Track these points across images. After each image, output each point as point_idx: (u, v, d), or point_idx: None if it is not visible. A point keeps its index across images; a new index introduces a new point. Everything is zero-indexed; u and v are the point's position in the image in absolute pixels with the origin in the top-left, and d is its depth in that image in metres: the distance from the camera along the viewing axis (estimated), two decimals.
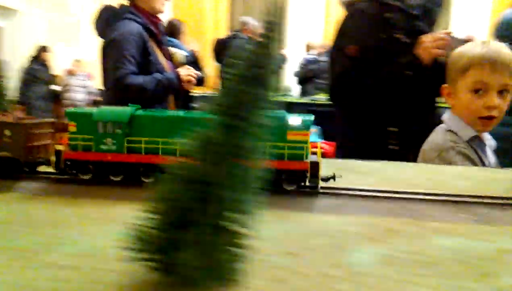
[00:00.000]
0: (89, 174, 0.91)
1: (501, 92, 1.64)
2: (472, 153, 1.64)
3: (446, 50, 1.92)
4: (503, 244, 0.81)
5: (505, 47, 1.71)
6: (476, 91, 1.64)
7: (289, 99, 6.42)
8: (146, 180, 0.91)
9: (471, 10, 9.33)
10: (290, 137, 0.90)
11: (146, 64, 2.51)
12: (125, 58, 2.38)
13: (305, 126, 0.91)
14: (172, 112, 0.99)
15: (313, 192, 0.95)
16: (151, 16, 2.67)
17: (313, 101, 5.96)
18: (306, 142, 0.90)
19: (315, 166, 0.91)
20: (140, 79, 2.42)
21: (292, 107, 5.58)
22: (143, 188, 0.73)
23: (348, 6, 2.33)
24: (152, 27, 2.64)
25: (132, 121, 0.87)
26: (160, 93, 2.55)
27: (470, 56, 1.67)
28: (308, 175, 0.92)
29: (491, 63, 1.61)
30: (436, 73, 1.95)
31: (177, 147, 0.81)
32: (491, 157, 1.73)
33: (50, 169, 0.97)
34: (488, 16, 9.06)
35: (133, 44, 2.43)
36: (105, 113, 0.86)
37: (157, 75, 2.53)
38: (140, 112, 0.90)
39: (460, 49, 1.76)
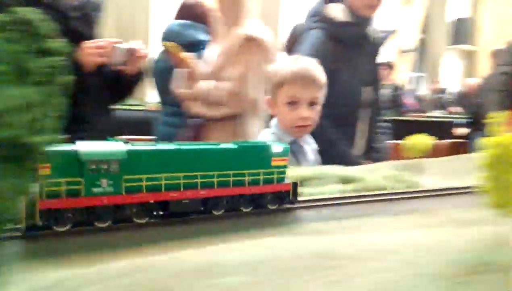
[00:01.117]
0: (68, 224, 0.77)
1: (311, 104, 1.90)
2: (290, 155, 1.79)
3: (111, 58, 2.02)
4: None
5: (314, 63, 1.96)
6: (290, 104, 1.88)
7: None
8: (140, 221, 0.83)
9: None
10: (273, 163, 0.99)
11: None
12: None
13: (285, 153, 1.01)
14: (171, 145, 0.89)
15: (292, 207, 1.03)
16: None
17: None
18: (286, 166, 1.01)
19: (295, 185, 1.01)
20: None
21: None
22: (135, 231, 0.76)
23: None
24: None
25: (129, 158, 0.80)
26: None
27: (284, 74, 1.90)
28: (291, 194, 1.01)
29: (302, 79, 1.86)
30: (108, 80, 2.13)
31: (182, 181, 0.83)
32: (311, 157, 2.00)
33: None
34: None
35: None
36: (95, 152, 0.78)
37: None
38: (137, 147, 0.83)
39: (275, 66, 2.05)
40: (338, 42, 2.41)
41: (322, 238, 0.82)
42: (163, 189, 0.83)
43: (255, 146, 0.95)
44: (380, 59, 2.66)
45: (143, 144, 0.85)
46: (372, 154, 2.54)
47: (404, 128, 7.48)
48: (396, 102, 7.75)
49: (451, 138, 6.42)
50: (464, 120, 6.72)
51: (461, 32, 12.30)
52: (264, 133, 2.03)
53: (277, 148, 0.98)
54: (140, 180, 0.81)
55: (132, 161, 0.80)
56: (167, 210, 0.84)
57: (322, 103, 2.05)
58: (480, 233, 0.83)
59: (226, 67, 2.34)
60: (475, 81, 9.21)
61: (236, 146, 0.91)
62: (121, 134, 2.87)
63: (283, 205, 1.00)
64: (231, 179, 0.88)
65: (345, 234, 0.86)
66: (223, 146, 0.91)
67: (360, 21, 2.45)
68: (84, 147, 0.79)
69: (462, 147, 6.00)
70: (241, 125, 2.42)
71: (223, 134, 2.36)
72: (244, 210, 0.91)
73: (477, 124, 5.23)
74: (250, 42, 2.27)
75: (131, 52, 2.10)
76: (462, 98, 8.71)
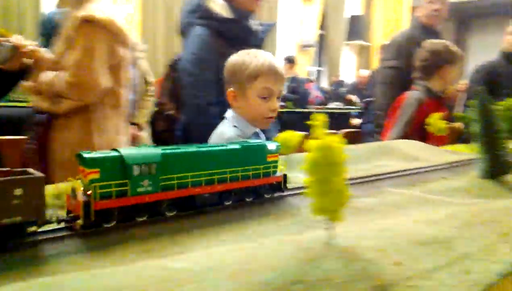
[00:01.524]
0: (115, 220, 0.90)
1: (278, 97, 2.04)
2: None
3: None
4: None
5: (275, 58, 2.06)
6: (263, 96, 1.97)
7: None
8: (171, 214, 0.98)
9: None
10: (269, 159, 1.16)
11: None
12: None
13: (277, 150, 1.18)
14: (194, 147, 1.05)
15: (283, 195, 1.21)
16: None
17: None
18: (277, 161, 1.17)
19: (285, 177, 1.19)
20: None
21: None
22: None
23: None
24: None
25: (163, 160, 0.95)
26: None
27: (259, 66, 1.94)
28: (282, 184, 1.19)
29: (275, 73, 1.96)
30: None
31: (203, 178, 0.99)
32: None
33: (52, 226, 0.86)
34: None
35: None
36: (138, 156, 0.93)
37: None
38: (168, 151, 0.97)
39: (242, 59, 2.00)
40: (224, 38, 2.39)
41: None
42: (189, 185, 0.98)
43: (255, 145, 1.13)
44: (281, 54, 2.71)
45: (173, 148, 1.00)
46: None
47: (306, 120, 8.11)
48: (296, 95, 8.32)
49: (348, 129, 6.92)
50: (358, 111, 7.20)
51: (356, 28, 13.57)
52: (224, 128, 2.03)
53: (271, 145, 1.16)
54: (173, 179, 0.96)
55: (165, 163, 0.94)
56: (193, 203, 1.00)
57: (217, 102, 2.19)
58: (309, 240, 0.74)
59: (65, 53, 2.13)
60: (365, 73, 10.34)
61: (240, 146, 1.08)
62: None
63: (276, 193, 1.16)
64: (240, 174, 1.06)
65: None
66: (231, 146, 1.08)
67: (243, 17, 2.45)
68: (127, 152, 0.91)
69: (356, 136, 6.36)
70: (95, 121, 2.20)
71: (72, 132, 2.16)
72: (247, 200, 1.09)
73: (368, 114, 5.50)
74: (89, 24, 2.07)
75: (16, 48, 2.02)
76: (356, 90, 9.69)
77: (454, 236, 0.81)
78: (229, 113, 2.08)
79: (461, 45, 15.13)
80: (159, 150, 0.95)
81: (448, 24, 14.51)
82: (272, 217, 1.07)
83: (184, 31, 2.58)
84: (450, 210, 1.02)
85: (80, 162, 0.90)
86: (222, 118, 2.14)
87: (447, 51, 3.00)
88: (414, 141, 2.11)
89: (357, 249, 0.68)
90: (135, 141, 3.89)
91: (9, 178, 0.80)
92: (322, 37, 13.79)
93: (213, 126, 2.14)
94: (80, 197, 0.87)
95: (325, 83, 12.88)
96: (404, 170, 1.55)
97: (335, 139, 0.72)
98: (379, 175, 1.40)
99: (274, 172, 1.15)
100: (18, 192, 0.80)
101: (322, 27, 13.69)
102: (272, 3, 11.44)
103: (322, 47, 13.93)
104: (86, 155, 0.89)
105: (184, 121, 2.59)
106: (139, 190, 0.91)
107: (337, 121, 7.40)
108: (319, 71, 14.31)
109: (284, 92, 8.66)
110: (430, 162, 1.70)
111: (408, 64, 3.32)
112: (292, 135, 1.67)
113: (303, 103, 8.25)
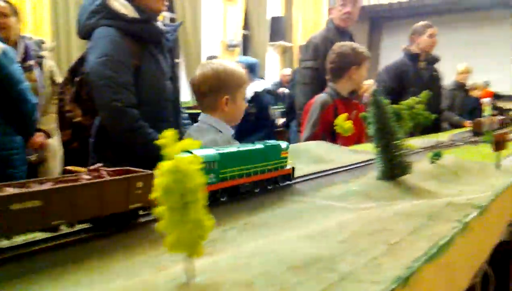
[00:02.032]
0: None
1: None
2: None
3: None
4: None
5: None
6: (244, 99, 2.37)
7: None
8: (222, 199, 1.19)
9: None
10: (282, 155, 1.39)
11: None
12: None
13: (287, 148, 1.42)
14: (235, 147, 1.29)
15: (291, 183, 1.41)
16: None
17: None
18: (287, 157, 1.41)
19: (293, 170, 1.43)
20: None
21: None
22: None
23: None
24: None
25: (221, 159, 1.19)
26: None
27: (243, 75, 2.33)
28: (291, 175, 1.43)
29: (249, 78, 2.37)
30: None
31: (244, 171, 1.24)
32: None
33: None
34: None
35: None
36: (207, 155, 1.15)
37: None
38: (222, 151, 1.22)
39: (230, 69, 2.30)
40: (133, 38, 2.33)
41: None
42: (236, 177, 1.21)
43: (273, 145, 1.36)
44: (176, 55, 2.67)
45: (223, 149, 1.22)
46: None
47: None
48: None
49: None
50: (281, 111, 7.24)
51: (278, 29, 13.83)
52: (213, 136, 2.18)
53: (283, 145, 1.40)
54: (226, 173, 1.18)
55: (222, 160, 1.17)
56: (237, 191, 1.22)
57: (135, 104, 2.21)
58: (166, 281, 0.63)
59: None
60: (288, 72, 10.60)
61: (264, 146, 1.32)
62: None
63: (286, 182, 1.39)
64: (266, 167, 1.30)
65: None
66: (259, 146, 1.32)
67: (150, 17, 2.41)
68: (198, 152, 1.07)
69: (281, 136, 6.17)
70: None
71: None
72: (269, 187, 1.31)
73: (292, 113, 5.47)
74: None
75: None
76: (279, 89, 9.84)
77: (339, 252, 0.75)
78: (207, 119, 2.28)
79: (375, 46, 16.17)
80: (216, 151, 1.19)
81: (363, 25, 15.40)
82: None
83: (86, 33, 2.40)
84: (344, 218, 0.97)
85: None
86: (147, 119, 2.24)
87: (354, 53, 3.10)
88: (322, 142, 2.11)
89: (221, 287, 0.57)
90: (43, 150, 3.48)
91: (135, 174, 0.99)
92: (246, 38, 13.90)
93: (135, 129, 2.16)
94: None
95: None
96: (310, 174, 1.52)
97: (190, 160, 0.61)
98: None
99: (285, 165, 1.40)
100: (139, 184, 0.98)
101: (246, 27, 13.79)
102: (195, 3, 11.26)
103: (247, 47, 14.04)
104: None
105: (99, 126, 2.41)
106: (208, 181, 1.11)
107: None
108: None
109: None
110: (335, 164, 1.69)
111: (325, 65, 3.40)
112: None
113: None
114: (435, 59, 4.86)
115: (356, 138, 2.96)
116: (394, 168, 1.36)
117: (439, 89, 5.12)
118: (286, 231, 0.92)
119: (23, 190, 0.81)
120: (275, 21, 13.94)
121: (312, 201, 1.18)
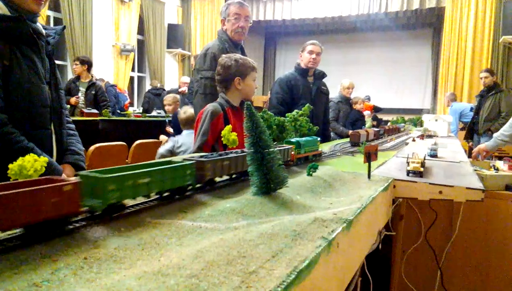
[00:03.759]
0: None
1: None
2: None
3: None
4: None
5: None
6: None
7: None
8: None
9: None
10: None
11: None
12: None
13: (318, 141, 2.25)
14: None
15: None
16: None
17: None
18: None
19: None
20: None
21: None
22: None
23: None
24: None
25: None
26: None
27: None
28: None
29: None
30: None
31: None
32: None
33: None
34: None
35: None
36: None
37: None
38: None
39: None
40: (1, 37, 2.11)
41: None
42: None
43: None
44: (51, 57, 2.42)
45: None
46: (69, 157, 2.44)
47: (125, 128, 7.67)
48: (99, 101, 7.76)
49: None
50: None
51: (175, 37, 13.58)
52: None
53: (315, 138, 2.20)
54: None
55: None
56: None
57: (2, 107, 2.04)
58: None
59: None
60: (187, 80, 10.46)
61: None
62: None
63: None
64: None
65: None
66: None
67: (21, 16, 2.21)
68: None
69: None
70: None
71: None
72: None
73: None
74: None
75: None
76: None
77: None
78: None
79: (270, 60, 16.89)
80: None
81: (259, 40, 15.98)
82: None
83: None
84: (205, 244, 0.87)
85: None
86: (19, 125, 2.09)
87: (236, 65, 3.19)
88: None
89: None
90: None
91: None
92: (142, 43, 13.39)
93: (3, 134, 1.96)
94: None
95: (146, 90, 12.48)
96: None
97: None
98: (141, 202, 1.19)
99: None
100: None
101: (141, 32, 13.28)
102: (85, 4, 10.52)
103: (143, 53, 13.53)
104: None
105: None
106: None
107: (156, 129, 7.19)
108: (140, 77, 13.82)
109: (82, 98, 7.85)
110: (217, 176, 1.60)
111: None
112: None
113: (117, 110, 7.66)
114: (322, 75, 5.20)
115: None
116: (269, 182, 1.32)
117: (326, 102, 5.48)
118: (136, 266, 0.78)
119: None
120: (173, 28, 13.69)
121: (179, 223, 1.06)
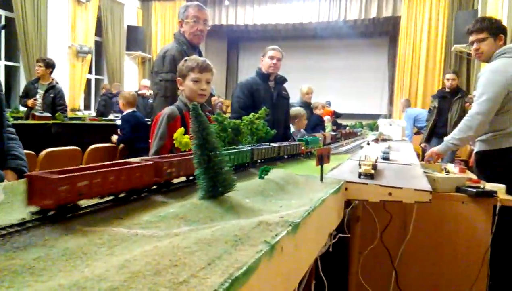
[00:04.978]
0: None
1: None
2: None
3: None
4: None
5: None
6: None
7: None
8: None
9: None
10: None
11: None
12: None
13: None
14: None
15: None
16: None
17: None
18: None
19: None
20: None
21: None
22: None
23: None
24: None
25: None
26: None
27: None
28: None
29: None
30: None
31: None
32: None
33: None
34: None
35: None
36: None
37: None
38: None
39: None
40: None
41: None
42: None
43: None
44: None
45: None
46: (11, 162, 2.32)
47: (80, 132, 7.38)
48: (56, 104, 7.49)
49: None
50: None
51: (134, 39, 13.27)
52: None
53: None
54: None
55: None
56: None
57: None
58: None
59: None
60: (145, 83, 10.24)
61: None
62: None
63: None
64: None
65: None
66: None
67: None
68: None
69: (118, 151, 5.97)
70: None
71: None
72: None
73: None
74: None
75: None
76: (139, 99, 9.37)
77: None
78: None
79: (233, 63, 16.88)
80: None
81: (221, 43, 15.92)
82: None
83: None
84: (134, 253, 0.80)
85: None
86: None
87: (180, 66, 3.18)
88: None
89: None
90: None
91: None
92: (100, 45, 12.98)
93: None
94: None
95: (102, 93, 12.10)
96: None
97: None
98: (84, 207, 1.10)
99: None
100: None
101: (99, 34, 12.88)
102: (39, 2, 10.08)
103: (101, 55, 13.12)
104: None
105: None
106: None
107: (113, 133, 6.98)
108: (97, 79, 13.39)
109: (40, 100, 7.51)
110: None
111: None
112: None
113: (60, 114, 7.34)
114: (283, 80, 5.24)
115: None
116: (217, 186, 1.26)
117: (287, 107, 5.52)
118: (56, 278, 0.71)
119: None
120: (133, 30, 13.38)
121: (111, 230, 0.98)
